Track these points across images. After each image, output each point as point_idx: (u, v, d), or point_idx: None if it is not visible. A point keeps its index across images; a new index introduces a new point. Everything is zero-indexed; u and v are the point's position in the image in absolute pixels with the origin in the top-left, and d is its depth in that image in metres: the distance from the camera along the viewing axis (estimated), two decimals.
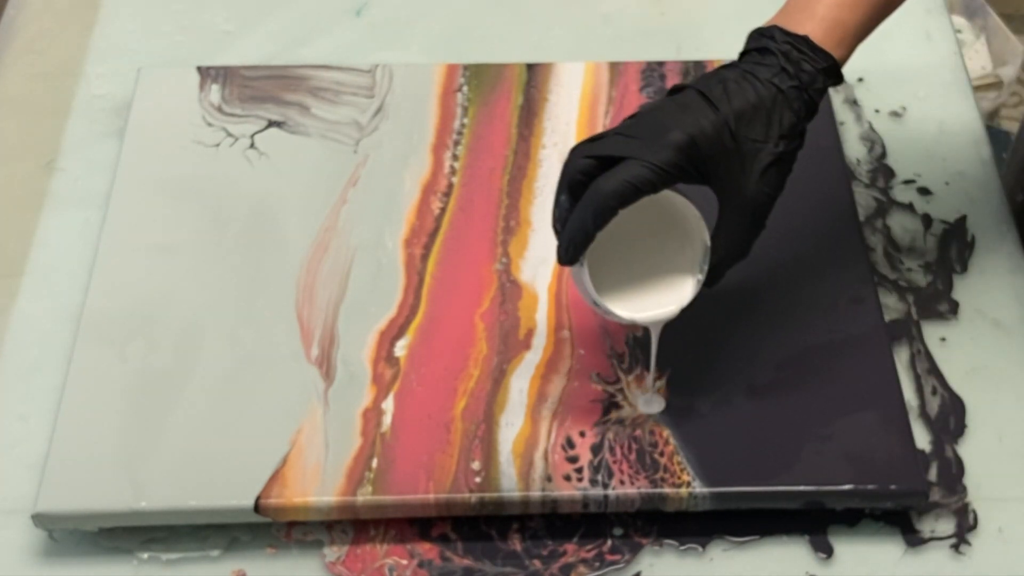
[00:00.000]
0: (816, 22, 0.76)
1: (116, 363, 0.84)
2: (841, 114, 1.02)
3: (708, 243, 0.76)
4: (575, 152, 0.75)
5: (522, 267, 0.89)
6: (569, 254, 0.74)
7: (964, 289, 0.91)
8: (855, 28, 0.77)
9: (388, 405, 0.82)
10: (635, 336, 0.85)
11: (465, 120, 0.99)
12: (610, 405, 0.82)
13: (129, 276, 0.89)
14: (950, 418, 0.85)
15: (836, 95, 1.03)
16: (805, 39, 0.76)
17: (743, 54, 0.77)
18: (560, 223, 0.75)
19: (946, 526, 0.80)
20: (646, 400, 0.82)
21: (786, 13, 0.78)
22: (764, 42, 0.76)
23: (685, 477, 0.78)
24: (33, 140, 1.01)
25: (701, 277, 0.77)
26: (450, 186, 0.94)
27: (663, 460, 0.79)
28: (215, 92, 1.00)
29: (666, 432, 0.81)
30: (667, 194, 0.75)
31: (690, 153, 0.73)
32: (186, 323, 0.86)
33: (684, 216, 0.77)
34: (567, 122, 0.99)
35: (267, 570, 0.78)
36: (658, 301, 0.78)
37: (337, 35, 1.09)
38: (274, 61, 1.05)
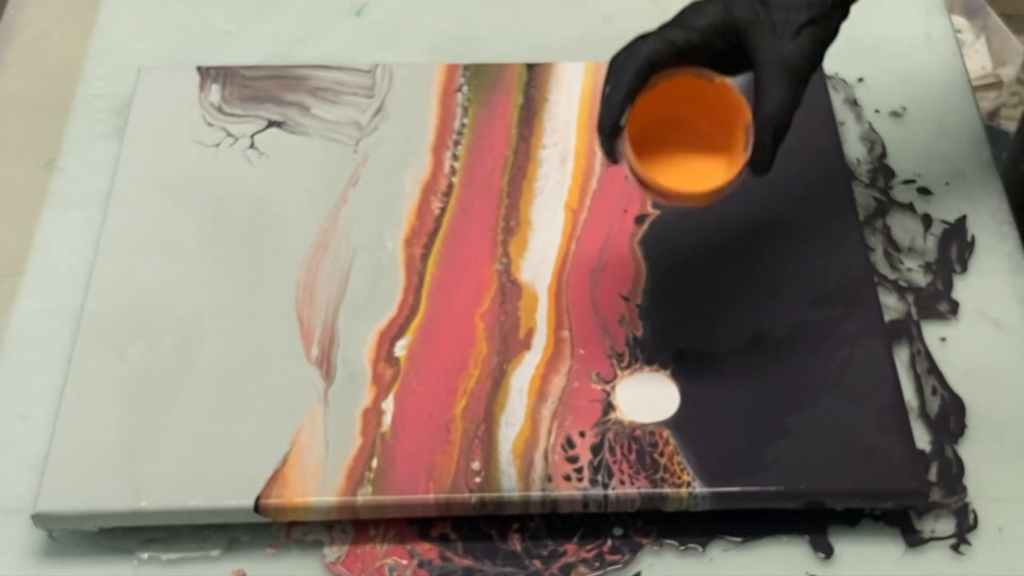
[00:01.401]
0: None
1: (116, 363, 0.84)
2: (841, 114, 1.02)
3: (751, 122, 0.75)
4: (618, 53, 0.76)
5: (522, 267, 0.89)
6: (610, 115, 0.74)
7: (964, 289, 0.91)
8: None
9: (388, 405, 0.82)
10: (635, 336, 0.85)
11: (465, 120, 0.99)
12: (610, 405, 0.82)
13: (129, 276, 0.89)
14: (950, 418, 0.85)
15: (836, 95, 1.03)
16: None
17: None
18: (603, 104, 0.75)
19: (946, 526, 0.80)
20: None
21: None
22: None
23: (685, 477, 0.78)
24: (33, 140, 1.01)
25: (747, 153, 0.75)
26: (450, 186, 0.94)
27: (663, 460, 0.79)
28: (215, 92, 1.00)
29: (666, 432, 0.81)
30: (714, 80, 0.75)
31: (723, 15, 0.74)
32: (186, 323, 0.86)
33: (729, 99, 0.76)
34: (567, 122, 0.99)
35: (267, 570, 0.78)
36: (703, 179, 0.76)
37: (337, 35, 1.09)
38: (274, 61, 1.05)
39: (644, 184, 0.75)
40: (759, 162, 0.75)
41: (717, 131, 0.77)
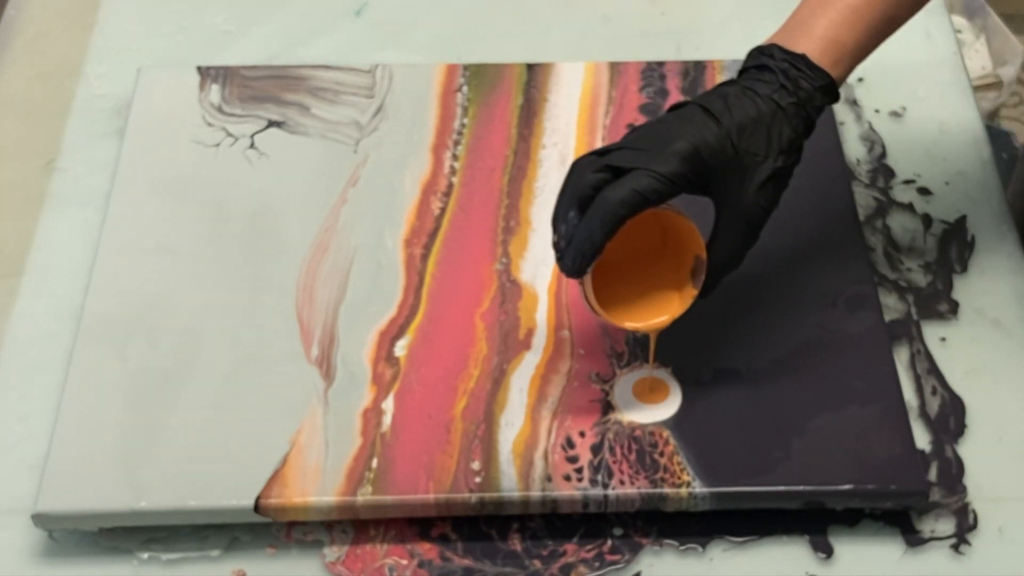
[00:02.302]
0: (814, 41, 0.77)
1: (116, 363, 0.84)
2: (841, 114, 1.02)
3: (703, 255, 0.77)
4: (582, 167, 0.75)
5: (522, 267, 0.89)
6: (577, 265, 0.75)
7: (964, 289, 0.91)
8: (852, 48, 0.78)
9: (388, 405, 0.82)
10: (635, 336, 0.85)
11: (465, 120, 0.99)
12: (610, 405, 0.82)
13: (129, 276, 0.89)
14: (950, 418, 0.85)
15: None
16: (803, 57, 0.77)
17: (742, 72, 0.79)
18: (567, 239, 0.75)
19: (946, 526, 0.80)
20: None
21: (785, 32, 0.79)
22: (763, 60, 0.78)
23: (685, 477, 0.78)
24: (33, 140, 1.01)
25: (697, 287, 0.78)
26: (450, 186, 0.94)
27: (663, 460, 0.79)
28: (215, 92, 1.00)
29: (666, 432, 0.81)
30: (665, 208, 0.77)
31: (694, 163, 0.74)
32: (186, 323, 0.86)
33: (680, 228, 0.78)
34: (567, 122, 0.99)
35: (267, 570, 0.78)
36: (654, 310, 0.79)
37: (337, 35, 1.09)
38: (274, 61, 1.05)
39: (604, 319, 0.78)
40: (706, 294, 0.78)
41: (668, 249, 0.79)
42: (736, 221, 0.77)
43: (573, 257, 0.74)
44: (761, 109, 0.76)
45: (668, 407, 0.82)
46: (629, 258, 0.79)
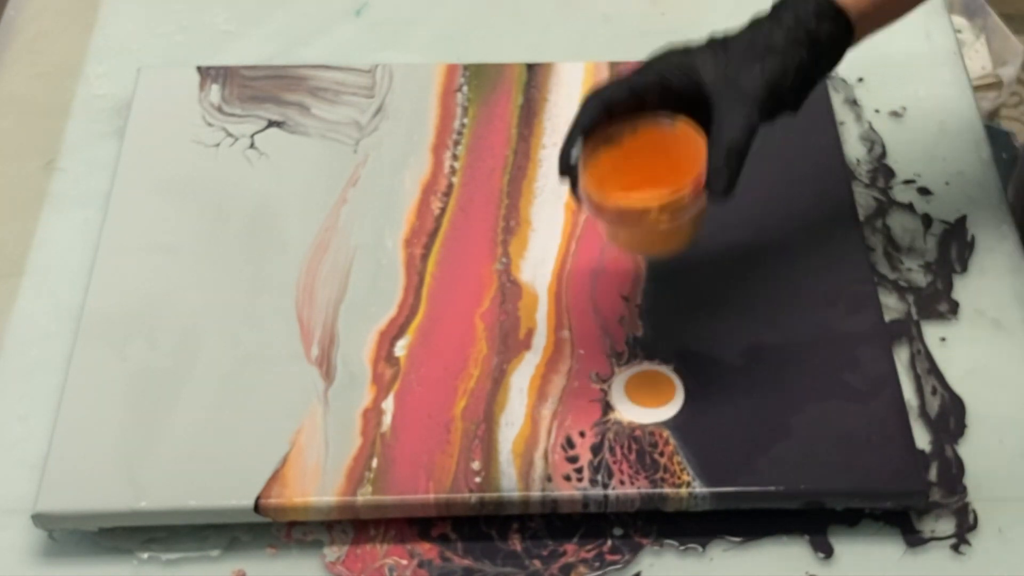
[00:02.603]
0: None
1: (116, 363, 0.84)
2: (841, 114, 1.02)
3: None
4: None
5: (522, 267, 0.89)
6: (563, 151, 0.76)
7: (964, 289, 0.91)
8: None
9: (388, 405, 0.82)
10: (635, 336, 0.85)
11: (465, 120, 0.99)
12: (610, 405, 0.82)
13: (129, 276, 0.89)
14: (950, 418, 0.85)
15: (836, 95, 1.03)
16: None
17: None
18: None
19: (946, 526, 0.80)
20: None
21: None
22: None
23: (685, 477, 0.78)
24: (33, 140, 1.01)
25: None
26: (450, 186, 0.94)
27: (663, 460, 0.79)
28: (215, 92, 1.00)
29: (666, 432, 0.81)
30: (674, 122, 0.77)
31: (681, 58, 0.77)
32: (186, 323, 0.86)
33: (691, 139, 0.76)
34: (567, 122, 0.98)
35: (267, 570, 0.78)
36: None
37: (337, 35, 1.09)
38: (274, 61, 1.05)
39: (600, 209, 0.75)
40: (714, 184, 0.74)
41: (682, 171, 0.76)
42: (729, 97, 0.75)
43: (560, 152, 0.76)
44: (753, 21, 0.78)
45: (668, 407, 0.82)
46: (637, 179, 0.76)
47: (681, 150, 0.76)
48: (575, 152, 0.76)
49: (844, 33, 0.78)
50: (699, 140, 0.75)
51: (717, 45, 0.77)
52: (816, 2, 0.77)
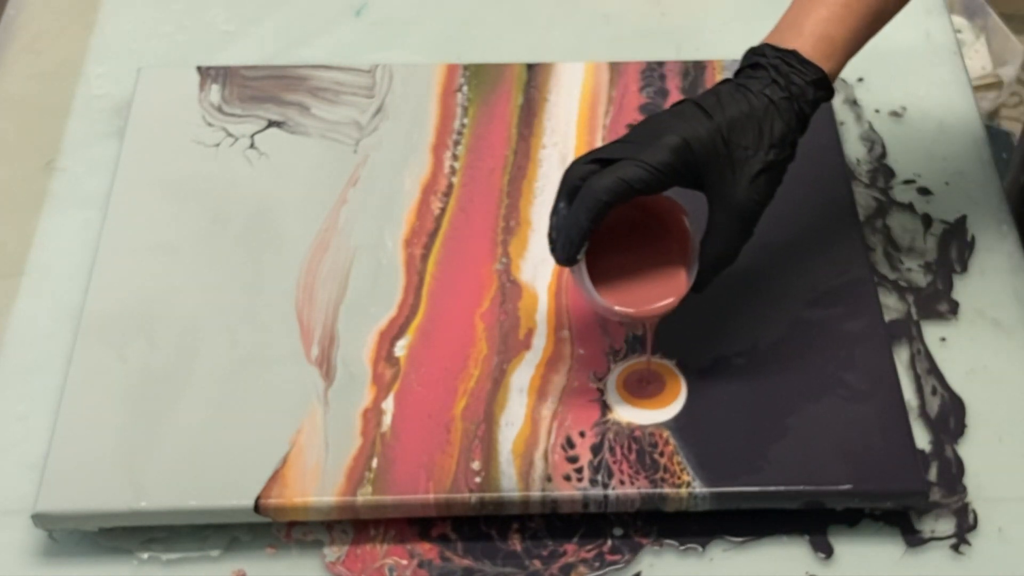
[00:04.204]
0: (804, 37, 0.78)
1: (116, 363, 0.84)
2: (841, 114, 1.02)
3: (697, 247, 0.78)
4: (576, 163, 0.77)
5: (522, 267, 0.89)
6: (566, 252, 0.76)
7: (964, 289, 0.91)
8: (843, 43, 0.79)
9: (388, 405, 0.82)
10: (635, 335, 0.85)
11: (465, 120, 0.99)
12: (607, 405, 0.82)
13: (129, 276, 0.89)
14: (950, 418, 0.85)
15: (836, 95, 1.02)
16: (794, 53, 0.78)
17: (737, 72, 0.80)
18: (556, 229, 0.76)
19: (946, 526, 0.80)
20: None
21: (777, 32, 0.80)
22: (755, 59, 0.79)
23: (685, 477, 0.78)
24: (33, 140, 1.01)
25: (692, 279, 0.78)
26: (450, 186, 0.94)
27: (663, 460, 0.79)
28: (215, 92, 1.00)
29: (666, 432, 0.81)
30: (664, 201, 0.78)
31: (684, 155, 0.75)
32: (186, 323, 0.86)
33: (677, 223, 0.79)
34: (567, 122, 0.99)
35: (267, 570, 0.78)
36: (653, 295, 0.79)
37: (337, 35, 1.09)
38: (274, 61, 1.05)
39: (596, 303, 0.78)
40: (698, 288, 0.79)
41: (661, 238, 0.80)
42: (729, 215, 0.77)
43: (563, 245, 0.75)
44: (753, 104, 0.76)
45: (668, 408, 0.82)
46: (628, 253, 0.79)
47: (671, 232, 0.79)
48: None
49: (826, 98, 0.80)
50: (681, 220, 0.79)
51: (718, 136, 0.75)
52: (814, 85, 0.78)
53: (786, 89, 0.77)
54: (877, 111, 1.02)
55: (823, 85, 0.78)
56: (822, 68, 0.78)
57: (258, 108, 0.99)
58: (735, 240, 0.78)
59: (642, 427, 0.81)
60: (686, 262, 0.79)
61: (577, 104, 1.00)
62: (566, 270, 0.88)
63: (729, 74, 0.80)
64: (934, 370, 0.87)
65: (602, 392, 0.82)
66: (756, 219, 0.78)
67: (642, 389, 0.82)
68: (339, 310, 0.87)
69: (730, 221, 0.77)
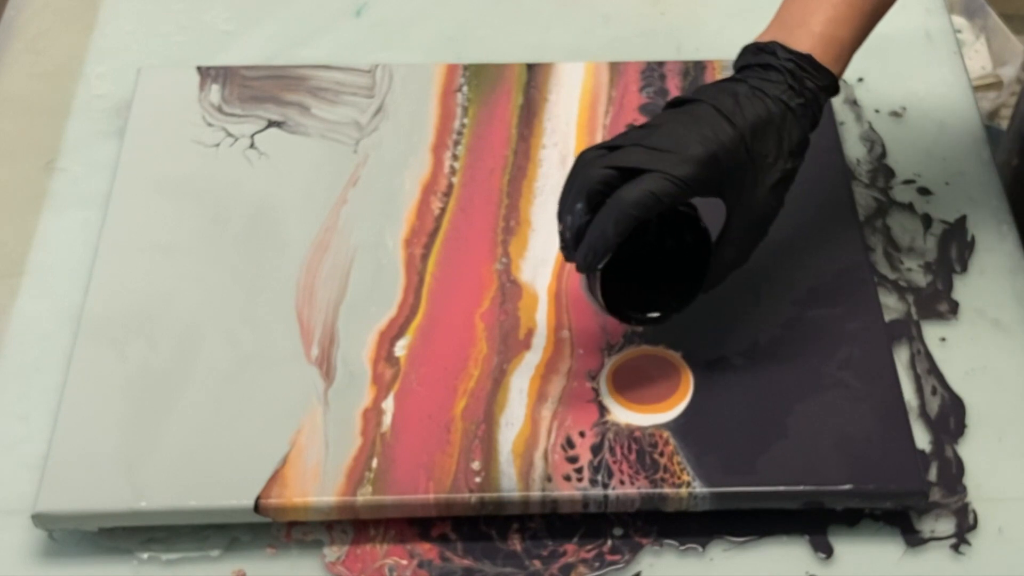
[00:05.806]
0: (815, 40, 0.78)
1: (116, 363, 0.84)
2: (841, 114, 1.02)
3: (711, 247, 0.78)
4: (591, 161, 0.76)
5: (522, 267, 0.89)
6: (588, 261, 0.75)
7: (964, 289, 0.91)
8: (850, 44, 0.79)
9: (388, 405, 0.82)
10: (633, 332, 0.85)
11: (465, 120, 0.99)
12: (603, 407, 0.82)
13: (129, 276, 0.89)
14: (950, 418, 0.85)
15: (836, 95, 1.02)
16: (809, 58, 0.77)
17: (744, 68, 0.78)
18: (573, 231, 0.76)
19: (946, 526, 0.80)
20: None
21: (783, 27, 0.79)
22: (766, 58, 0.78)
23: (685, 477, 0.78)
24: (33, 140, 1.01)
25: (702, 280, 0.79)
26: (450, 186, 0.94)
27: (663, 460, 0.79)
28: (215, 92, 1.00)
29: (666, 432, 0.81)
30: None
31: (711, 168, 0.74)
32: (186, 323, 0.86)
33: (690, 224, 0.79)
34: (567, 122, 0.99)
35: (267, 570, 0.78)
36: (660, 301, 0.80)
37: (337, 35, 1.09)
38: (274, 61, 1.05)
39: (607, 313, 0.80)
40: (707, 289, 0.80)
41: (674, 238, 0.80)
42: (747, 221, 0.77)
43: (585, 254, 0.75)
44: (771, 111, 0.76)
45: (668, 408, 0.82)
46: (636, 251, 0.78)
47: (679, 229, 0.79)
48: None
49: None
50: (697, 219, 0.79)
51: (741, 146, 0.75)
52: (826, 91, 0.78)
53: (802, 95, 0.77)
54: (877, 111, 1.02)
55: (832, 89, 0.78)
56: (833, 72, 0.78)
57: (258, 108, 0.99)
58: (750, 244, 0.79)
59: (642, 428, 0.81)
60: (695, 264, 0.79)
61: (577, 104, 1.00)
62: (566, 270, 0.88)
63: (729, 74, 0.80)
64: (934, 370, 0.87)
65: (596, 392, 0.82)
66: (771, 223, 0.79)
67: (638, 388, 0.82)
68: (339, 310, 0.87)
69: (748, 226, 0.78)
